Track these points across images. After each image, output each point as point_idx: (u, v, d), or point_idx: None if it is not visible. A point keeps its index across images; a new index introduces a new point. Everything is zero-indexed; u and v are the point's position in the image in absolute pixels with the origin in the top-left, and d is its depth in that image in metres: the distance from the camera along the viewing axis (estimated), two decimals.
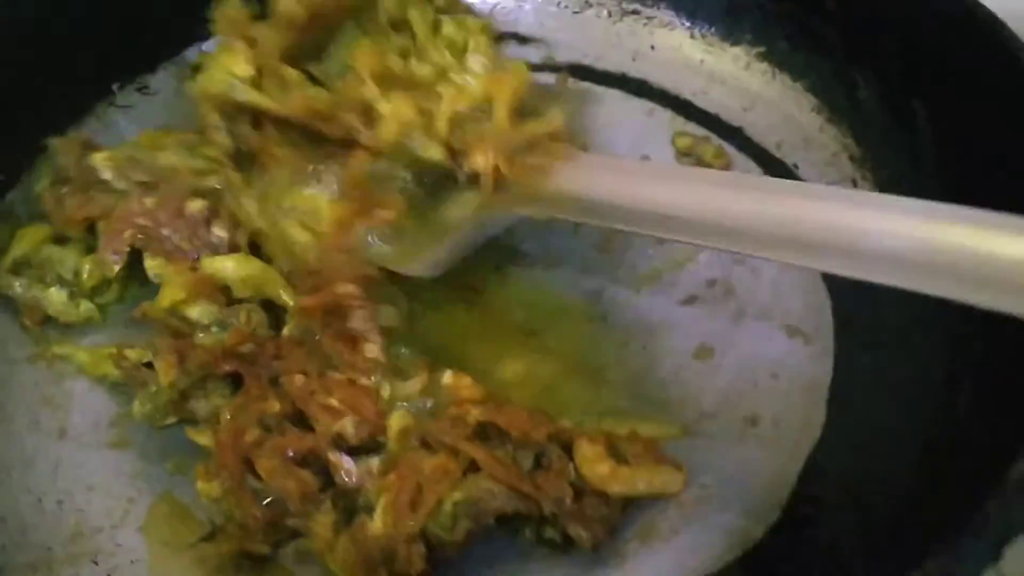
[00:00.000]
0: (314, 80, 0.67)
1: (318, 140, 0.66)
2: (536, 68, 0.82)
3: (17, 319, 0.66)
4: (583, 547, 0.54)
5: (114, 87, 0.77)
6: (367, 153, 0.64)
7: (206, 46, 0.80)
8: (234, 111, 0.66)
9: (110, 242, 0.65)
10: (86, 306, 0.66)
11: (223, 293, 0.63)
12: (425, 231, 0.64)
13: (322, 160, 0.66)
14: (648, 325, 0.67)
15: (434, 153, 0.63)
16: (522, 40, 0.84)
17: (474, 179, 0.62)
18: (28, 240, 0.67)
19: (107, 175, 0.67)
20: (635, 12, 0.83)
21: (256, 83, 0.66)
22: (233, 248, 0.65)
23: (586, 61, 0.82)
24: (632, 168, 0.63)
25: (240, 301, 0.62)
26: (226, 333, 0.60)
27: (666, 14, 0.82)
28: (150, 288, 0.65)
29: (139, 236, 0.65)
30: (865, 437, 0.57)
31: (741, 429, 0.60)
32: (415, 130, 0.63)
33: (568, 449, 0.56)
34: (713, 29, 0.81)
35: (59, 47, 0.73)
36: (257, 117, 0.66)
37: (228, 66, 0.66)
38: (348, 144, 0.65)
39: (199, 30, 0.79)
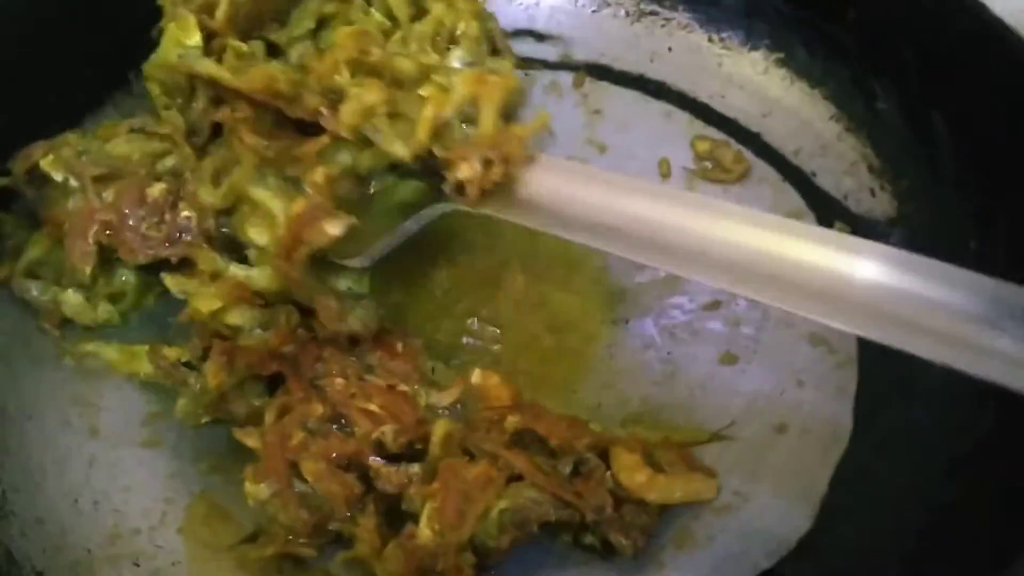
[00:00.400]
0: (273, 49, 0.67)
1: (280, 119, 0.63)
2: (553, 66, 0.82)
3: (36, 322, 0.65)
4: (623, 554, 0.55)
5: (130, 76, 0.75)
6: (329, 139, 0.61)
7: None
8: (189, 87, 0.65)
9: (75, 244, 0.63)
10: (104, 308, 0.65)
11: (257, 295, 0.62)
12: (372, 222, 0.62)
13: (283, 147, 0.63)
14: (671, 330, 0.67)
15: (399, 150, 0.60)
16: (539, 37, 0.84)
17: (458, 188, 0.60)
18: (43, 243, 0.66)
19: (57, 177, 0.65)
20: (653, 13, 0.83)
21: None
22: (204, 232, 0.63)
23: (603, 61, 0.82)
24: (593, 175, 0.60)
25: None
26: (267, 334, 0.59)
27: (684, 16, 0.83)
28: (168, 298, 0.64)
29: (105, 232, 0.63)
30: (893, 446, 0.59)
31: (770, 436, 0.61)
32: (380, 119, 0.60)
33: (604, 457, 0.57)
34: (731, 33, 0.81)
35: (74, 36, 0.71)
36: (218, 95, 0.64)
37: (177, 37, 0.64)
38: (310, 126, 0.62)
39: None
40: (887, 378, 0.63)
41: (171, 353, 0.61)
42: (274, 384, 0.61)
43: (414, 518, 0.55)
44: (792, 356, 0.66)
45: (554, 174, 0.59)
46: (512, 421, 0.58)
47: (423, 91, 0.61)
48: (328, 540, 0.56)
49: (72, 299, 0.65)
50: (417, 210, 0.62)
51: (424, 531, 0.54)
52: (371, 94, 0.60)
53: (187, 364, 0.61)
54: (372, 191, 0.64)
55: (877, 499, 0.57)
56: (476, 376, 0.63)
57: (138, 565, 0.56)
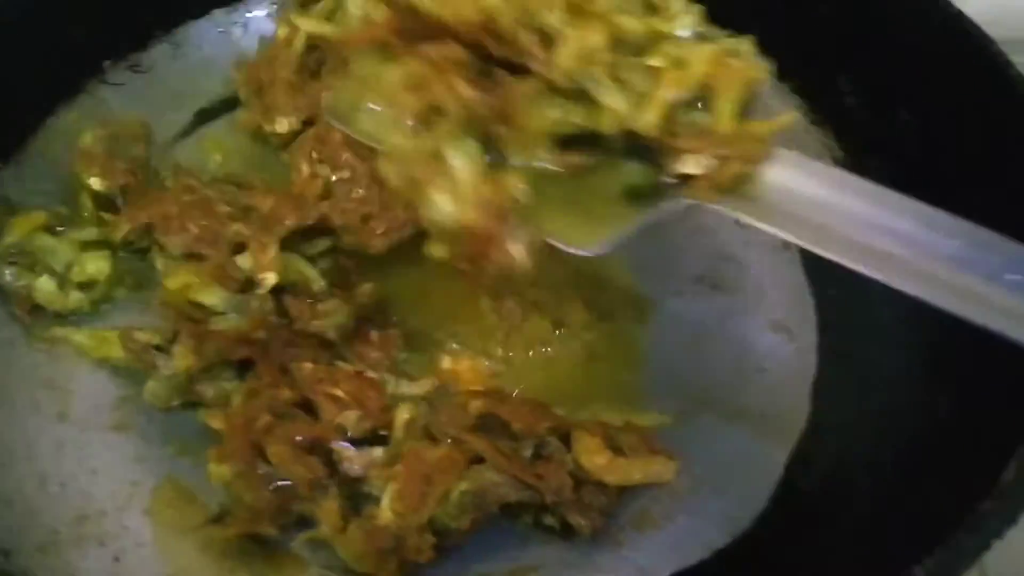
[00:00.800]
0: None
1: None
2: None
3: (5, 307, 0.66)
4: (581, 534, 0.56)
5: (105, 64, 0.76)
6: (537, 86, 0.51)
7: (199, 24, 0.80)
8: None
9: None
10: (75, 296, 0.66)
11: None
12: (602, 205, 0.53)
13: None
14: (637, 316, 0.68)
15: (621, 106, 0.50)
16: None
17: (681, 180, 0.52)
18: (21, 228, 0.66)
19: None
20: None
21: None
22: None
23: None
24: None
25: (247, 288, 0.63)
26: (239, 319, 0.60)
27: None
28: (140, 290, 0.67)
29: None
30: (849, 431, 0.60)
31: (730, 420, 0.63)
32: (601, 68, 0.50)
33: (566, 440, 0.58)
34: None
35: (50, 24, 0.72)
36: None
37: None
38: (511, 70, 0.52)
39: (191, 7, 0.79)
40: (845, 365, 0.64)
41: (142, 336, 0.62)
42: (244, 368, 0.62)
43: (376, 501, 0.56)
44: (754, 343, 0.67)
45: (802, 173, 0.52)
46: (476, 405, 0.59)
47: (653, 61, 0.51)
48: (291, 521, 0.57)
49: (45, 286, 0.66)
50: (650, 200, 0.53)
51: (385, 512, 0.54)
52: (594, 35, 0.50)
53: (158, 347, 0.62)
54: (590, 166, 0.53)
55: (832, 481, 0.58)
56: (446, 362, 0.64)
57: (104, 545, 0.56)
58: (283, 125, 0.74)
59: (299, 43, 0.73)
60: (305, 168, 0.69)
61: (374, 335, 0.65)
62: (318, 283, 0.65)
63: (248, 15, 0.82)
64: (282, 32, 0.76)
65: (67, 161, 0.71)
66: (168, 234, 0.66)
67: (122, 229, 0.67)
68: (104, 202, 0.70)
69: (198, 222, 0.66)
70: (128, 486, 0.59)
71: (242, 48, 0.81)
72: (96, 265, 0.67)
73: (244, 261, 0.65)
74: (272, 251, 0.63)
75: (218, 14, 0.81)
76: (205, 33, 0.81)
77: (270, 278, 0.63)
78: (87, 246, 0.68)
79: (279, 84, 0.74)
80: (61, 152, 0.72)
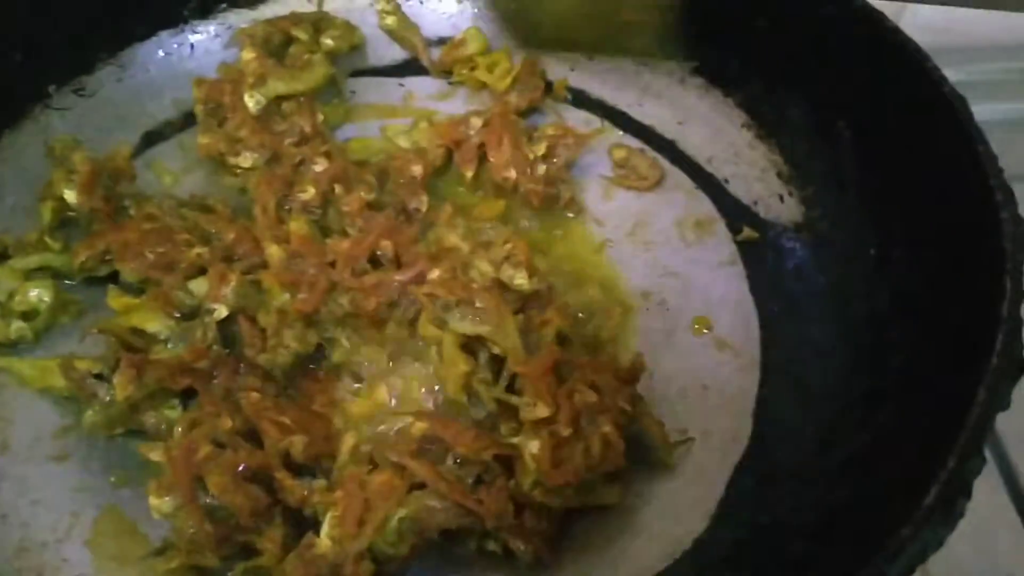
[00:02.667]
0: None
1: None
2: None
3: None
4: (523, 559, 0.56)
5: (50, 89, 0.76)
6: None
7: (145, 46, 0.80)
8: None
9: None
10: (17, 325, 0.66)
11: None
12: None
13: None
14: None
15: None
16: None
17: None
18: None
19: None
20: None
21: None
22: None
23: None
24: None
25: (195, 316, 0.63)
26: (181, 349, 0.60)
27: None
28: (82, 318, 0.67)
29: None
30: (789, 449, 0.61)
31: (672, 439, 0.62)
32: None
33: (508, 465, 0.58)
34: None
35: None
36: None
37: None
38: None
39: (137, 30, 0.79)
40: (786, 382, 0.65)
41: (82, 365, 0.62)
42: (188, 396, 0.62)
43: (318, 529, 0.56)
44: (698, 361, 0.67)
45: None
46: (419, 427, 0.59)
47: None
48: (235, 552, 0.56)
49: None
50: None
51: (324, 540, 0.54)
52: None
53: (98, 376, 0.61)
54: None
55: (772, 499, 0.58)
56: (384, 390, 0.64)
57: None
58: (247, 160, 0.74)
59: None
60: (269, 210, 0.70)
61: (320, 374, 0.65)
62: (267, 318, 0.64)
63: (193, 37, 0.82)
64: (246, 55, 0.76)
65: (12, 185, 0.71)
66: (125, 261, 0.66)
67: (81, 255, 0.67)
68: (61, 221, 0.70)
69: (155, 249, 0.66)
70: (68, 517, 0.59)
71: (188, 69, 0.81)
72: (39, 294, 0.66)
73: (198, 286, 0.65)
74: (232, 283, 0.64)
75: (164, 36, 0.82)
76: (151, 55, 0.81)
77: (221, 311, 0.63)
78: (30, 274, 0.67)
79: (243, 118, 0.74)
80: (6, 178, 0.72)
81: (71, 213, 0.70)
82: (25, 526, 0.58)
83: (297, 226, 0.68)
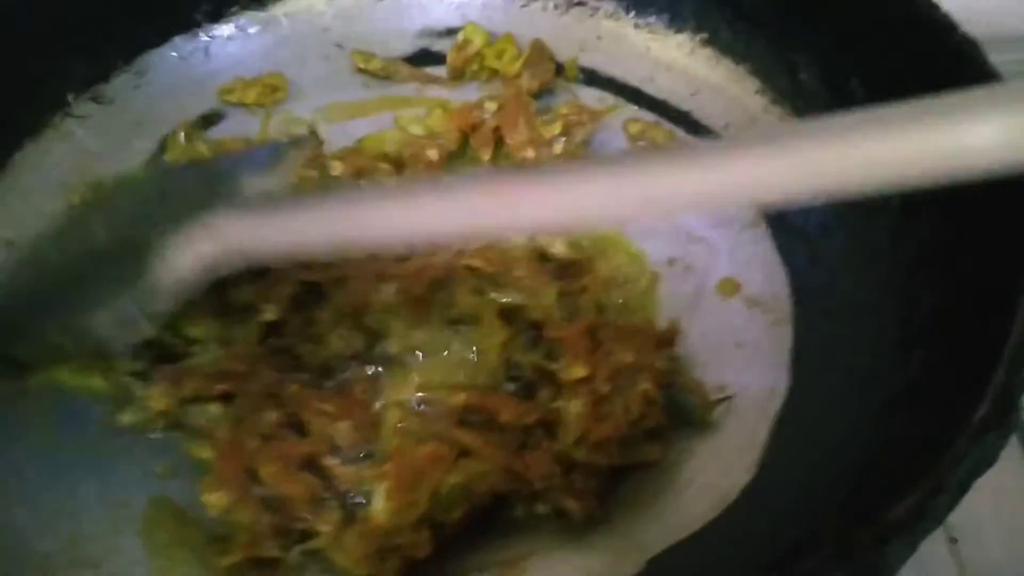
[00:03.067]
0: None
1: None
2: None
3: None
4: (575, 517, 0.56)
5: (69, 97, 0.77)
6: None
7: (160, 52, 0.81)
8: None
9: None
10: None
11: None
12: None
13: None
14: None
15: None
16: None
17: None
18: None
19: None
20: (580, 4, 0.86)
21: None
22: None
23: None
24: None
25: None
26: (220, 356, 0.61)
27: (610, 5, 0.85)
28: None
29: None
30: (828, 399, 0.61)
31: (711, 396, 0.63)
32: None
33: (551, 430, 0.59)
34: (656, 18, 0.84)
35: (12, 60, 0.73)
36: None
37: None
38: None
39: (151, 37, 0.80)
40: (820, 336, 0.65)
41: (122, 365, 0.62)
42: (227, 398, 0.62)
43: (371, 502, 0.56)
44: (730, 320, 0.67)
45: None
46: (459, 399, 0.60)
47: None
48: (294, 540, 0.56)
49: None
50: None
51: (379, 512, 0.55)
52: None
53: (137, 374, 0.62)
54: None
55: (816, 445, 0.58)
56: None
57: (97, 568, 0.56)
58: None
59: None
60: None
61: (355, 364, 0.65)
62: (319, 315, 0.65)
63: (208, 39, 0.83)
64: None
65: (38, 192, 0.72)
66: None
67: None
68: None
69: None
70: (118, 508, 0.59)
71: (203, 73, 0.82)
72: None
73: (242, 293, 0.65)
74: (287, 288, 0.64)
75: (178, 41, 0.82)
76: (166, 61, 0.82)
77: (270, 313, 0.64)
78: None
79: None
80: (31, 185, 0.73)
81: None
82: (75, 519, 0.58)
83: None
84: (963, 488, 0.44)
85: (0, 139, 0.72)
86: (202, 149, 0.74)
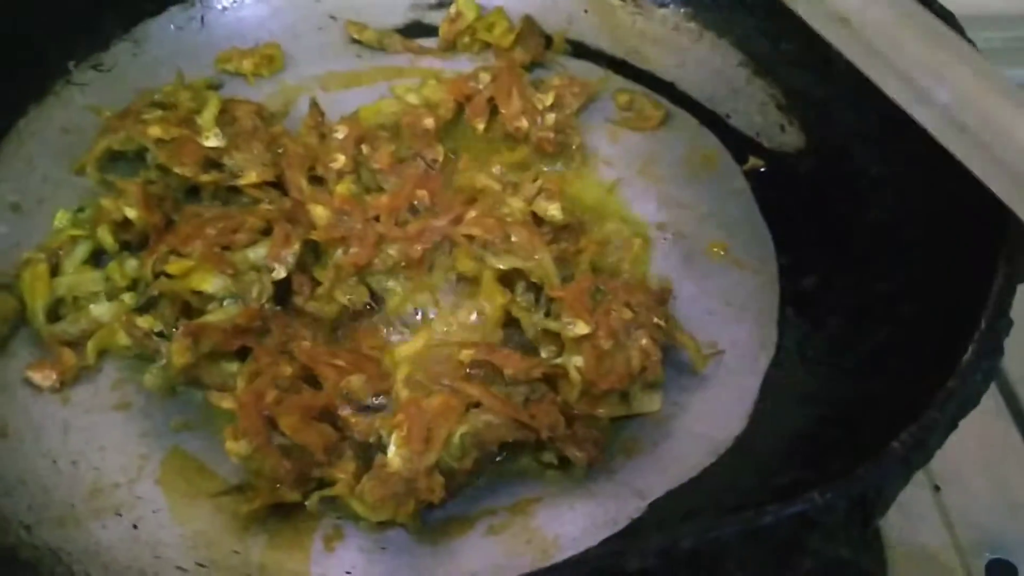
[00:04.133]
0: None
1: None
2: None
3: None
4: (579, 466, 0.59)
5: (70, 65, 0.78)
6: None
7: (157, 21, 0.82)
8: None
9: None
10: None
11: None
12: None
13: None
14: None
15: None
16: None
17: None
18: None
19: None
20: None
21: None
22: None
23: None
24: None
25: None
26: (235, 311, 0.63)
27: None
28: None
29: None
30: (816, 351, 0.65)
31: (703, 350, 0.66)
32: None
33: (552, 385, 0.62)
34: None
35: (16, 29, 0.74)
36: None
37: None
38: None
39: (148, 6, 0.82)
40: (807, 292, 0.69)
41: (143, 323, 0.64)
42: (242, 354, 0.64)
43: (385, 450, 0.58)
44: (719, 280, 0.71)
45: None
46: (466, 354, 0.62)
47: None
48: (312, 487, 0.59)
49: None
50: None
51: (394, 459, 0.57)
52: None
53: (159, 334, 0.64)
54: None
55: (806, 394, 0.62)
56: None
57: (121, 515, 0.58)
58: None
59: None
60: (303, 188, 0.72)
61: (365, 321, 0.68)
62: (322, 274, 0.67)
63: (203, 9, 0.85)
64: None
65: (40, 158, 0.74)
66: (188, 245, 0.66)
67: (148, 264, 0.66)
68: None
69: (215, 225, 0.67)
70: (137, 459, 0.61)
71: (199, 43, 0.84)
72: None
73: (255, 252, 0.67)
74: (295, 247, 0.66)
75: (174, 11, 0.84)
76: (163, 30, 0.83)
77: (280, 271, 0.66)
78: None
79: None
80: (35, 150, 0.74)
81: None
82: (96, 470, 0.60)
83: (344, 187, 0.71)
84: (953, 425, 0.47)
85: (5, 105, 0.74)
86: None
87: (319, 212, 0.69)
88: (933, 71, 0.54)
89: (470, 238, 0.67)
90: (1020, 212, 0.49)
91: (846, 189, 0.71)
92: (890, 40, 0.58)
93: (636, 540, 0.53)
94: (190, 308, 0.65)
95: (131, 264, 0.67)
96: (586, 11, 0.88)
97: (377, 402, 0.62)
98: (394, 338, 0.66)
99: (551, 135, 0.78)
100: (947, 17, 0.65)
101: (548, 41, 0.86)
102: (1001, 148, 0.49)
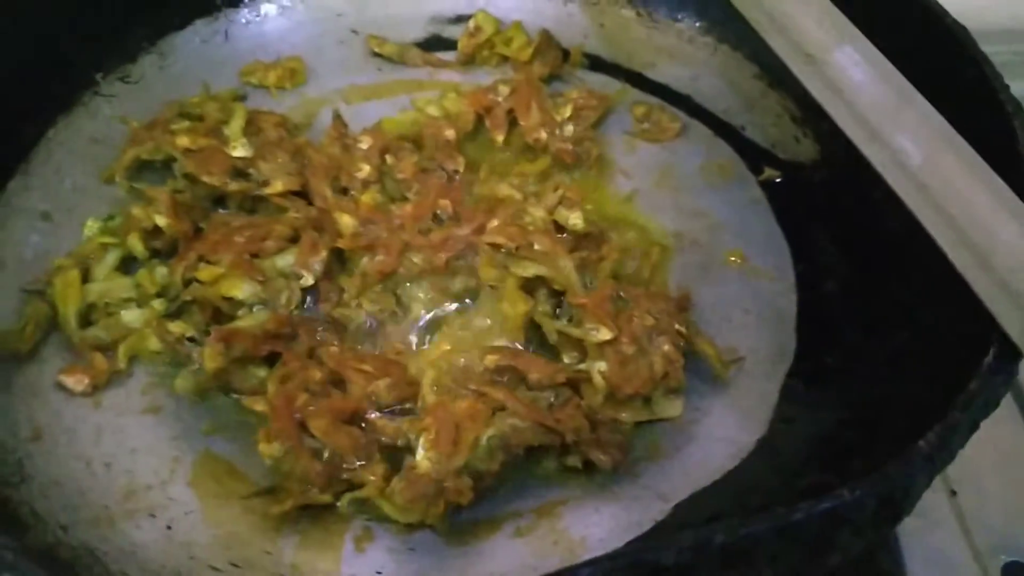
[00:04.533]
0: None
1: None
2: None
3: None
4: (603, 469, 0.61)
5: (98, 77, 0.79)
6: None
7: (183, 35, 0.84)
8: None
9: None
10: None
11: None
12: None
13: None
14: None
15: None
16: None
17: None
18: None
19: None
20: None
21: None
22: None
23: None
24: None
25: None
26: (265, 317, 0.65)
27: None
28: None
29: None
30: (835, 358, 0.66)
31: (723, 356, 0.67)
32: None
33: (575, 389, 0.63)
34: (657, 7, 0.88)
35: (45, 41, 0.75)
36: None
37: None
38: None
39: (174, 20, 0.83)
40: (825, 299, 0.70)
41: (176, 328, 0.65)
42: (271, 359, 0.65)
43: (414, 453, 0.59)
44: (737, 288, 0.72)
45: None
46: (491, 360, 0.64)
47: None
48: (342, 488, 0.60)
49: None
50: None
51: (423, 461, 0.58)
52: None
53: (191, 339, 0.65)
54: None
55: (826, 397, 0.63)
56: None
57: (154, 516, 0.59)
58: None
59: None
60: (327, 197, 0.73)
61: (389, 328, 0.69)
62: (349, 282, 0.69)
63: (227, 23, 0.86)
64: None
65: (69, 167, 0.75)
66: (218, 253, 0.68)
67: (178, 270, 0.68)
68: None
69: (243, 233, 0.69)
70: (169, 462, 0.62)
71: (223, 56, 0.85)
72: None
73: (283, 260, 0.68)
74: (322, 255, 0.68)
75: (199, 24, 0.85)
76: (188, 43, 0.85)
77: (308, 278, 0.67)
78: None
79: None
80: (64, 160, 0.75)
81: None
82: (129, 472, 0.61)
83: (369, 197, 0.72)
84: (974, 426, 0.49)
85: (35, 115, 0.75)
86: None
87: (345, 221, 0.70)
88: (890, 121, 0.61)
89: (494, 246, 0.68)
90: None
91: (861, 199, 0.72)
92: (848, 81, 0.65)
93: (661, 539, 0.54)
94: (220, 314, 0.66)
95: (160, 271, 0.68)
96: (602, 25, 0.89)
97: (402, 406, 0.63)
98: (419, 344, 0.67)
99: (570, 146, 0.79)
100: (960, 33, 0.67)
101: (565, 55, 0.88)
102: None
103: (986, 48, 0.67)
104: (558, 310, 0.68)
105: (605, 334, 0.63)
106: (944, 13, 0.68)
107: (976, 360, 0.50)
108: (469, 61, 0.88)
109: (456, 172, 0.77)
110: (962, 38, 0.67)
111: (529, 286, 0.68)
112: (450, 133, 0.79)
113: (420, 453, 0.59)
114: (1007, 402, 0.74)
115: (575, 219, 0.71)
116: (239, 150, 0.73)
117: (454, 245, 0.69)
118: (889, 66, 0.65)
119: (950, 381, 0.51)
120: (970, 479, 0.69)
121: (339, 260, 0.70)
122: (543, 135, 0.80)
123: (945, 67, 0.67)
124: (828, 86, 0.65)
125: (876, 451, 0.54)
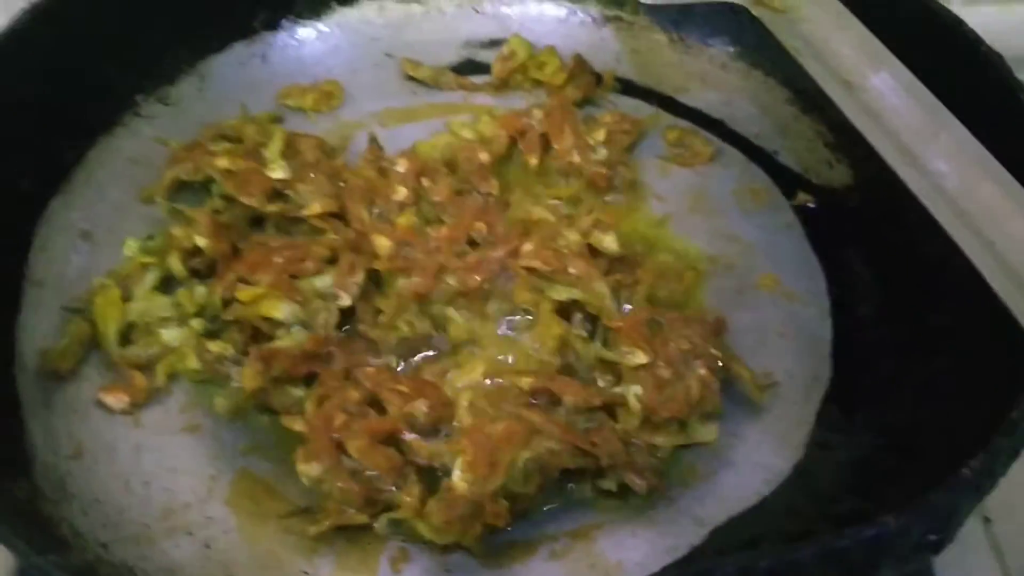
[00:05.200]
0: None
1: None
2: None
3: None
4: (638, 493, 0.61)
5: (139, 99, 0.81)
6: None
7: (221, 58, 0.85)
8: None
9: None
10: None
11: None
12: None
13: None
14: None
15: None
16: None
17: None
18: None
19: None
20: (617, 19, 0.91)
21: None
22: None
23: None
24: None
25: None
26: (304, 337, 0.65)
27: (644, 19, 0.90)
28: None
29: None
30: (870, 381, 0.66)
31: (758, 380, 0.67)
32: None
33: (610, 414, 0.63)
34: (689, 32, 0.89)
35: (87, 64, 0.76)
36: None
37: None
38: None
39: (213, 43, 0.85)
40: (860, 325, 0.70)
41: (215, 348, 0.66)
42: (309, 379, 0.66)
43: (450, 475, 0.59)
44: (771, 312, 0.72)
45: None
46: (527, 382, 0.64)
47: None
48: (379, 509, 0.60)
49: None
50: None
51: (459, 483, 0.58)
52: None
53: (231, 359, 0.66)
54: None
55: (863, 423, 0.63)
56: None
57: (192, 535, 0.59)
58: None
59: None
60: (364, 219, 0.74)
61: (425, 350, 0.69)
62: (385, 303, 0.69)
63: (265, 47, 0.87)
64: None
65: (110, 186, 0.77)
66: (258, 274, 0.68)
67: (218, 291, 0.68)
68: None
69: (282, 253, 0.70)
70: (207, 481, 0.62)
71: (262, 78, 0.86)
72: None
73: (322, 281, 0.69)
74: (359, 276, 0.68)
75: (238, 47, 0.86)
76: (227, 66, 0.86)
77: (346, 299, 0.68)
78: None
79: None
80: (104, 180, 0.76)
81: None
82: (168, 491, 0.62)
83: (405, 219, 0.73)
84: (1016, 453, 0.48)
85: (76, 136, 0.76)
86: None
87: (382, 242, 0.70)
88: (927, 146, 0.62)
89: (530, 270, 0.68)
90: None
91: (895, 223, 0.71)
92: (885, 107, 0.65)
93: (706, 562, 0.54)
94: (258, 334, 0.67)
95: (199, 291, 0.69)
96: (635, 50, 0.90)
97: (438, 427, 0.63)
98: (454, 366, 0.68)
99: (603, 170, 0.80)
100: (996, 60, 0.67)
101: (598, 79, 0.88)
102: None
103: (1022, 75, 0.67)
104: (593, 333, 0.68)
105: (641, 357, 0.64)
106: (980, 40, 0.69)
107: (1017, 386, 0.50)
108: (503, 85, 0.89)
109: (490, 195, 0.77)
110: (998, 65, 0.67)
111: (564, 309, 0.68)
112: (484, 156, 0.80)
113: (456, 475, 0.59)
114: None
115: (609, 242, 0.71)
116: (278, 172, 0.74)
117: (489, 267, 0.69)
118: (925, 92, 0.65)
119: (989, 407, 0.51)
120: (1005, 506, 0.68)
121: (375, 282, 0.71)
122: (576, 158, 0.80)
123: (981, 94, 0.67)
124: (865, 111, 0.65)
125: (913, 478, 0.55)
